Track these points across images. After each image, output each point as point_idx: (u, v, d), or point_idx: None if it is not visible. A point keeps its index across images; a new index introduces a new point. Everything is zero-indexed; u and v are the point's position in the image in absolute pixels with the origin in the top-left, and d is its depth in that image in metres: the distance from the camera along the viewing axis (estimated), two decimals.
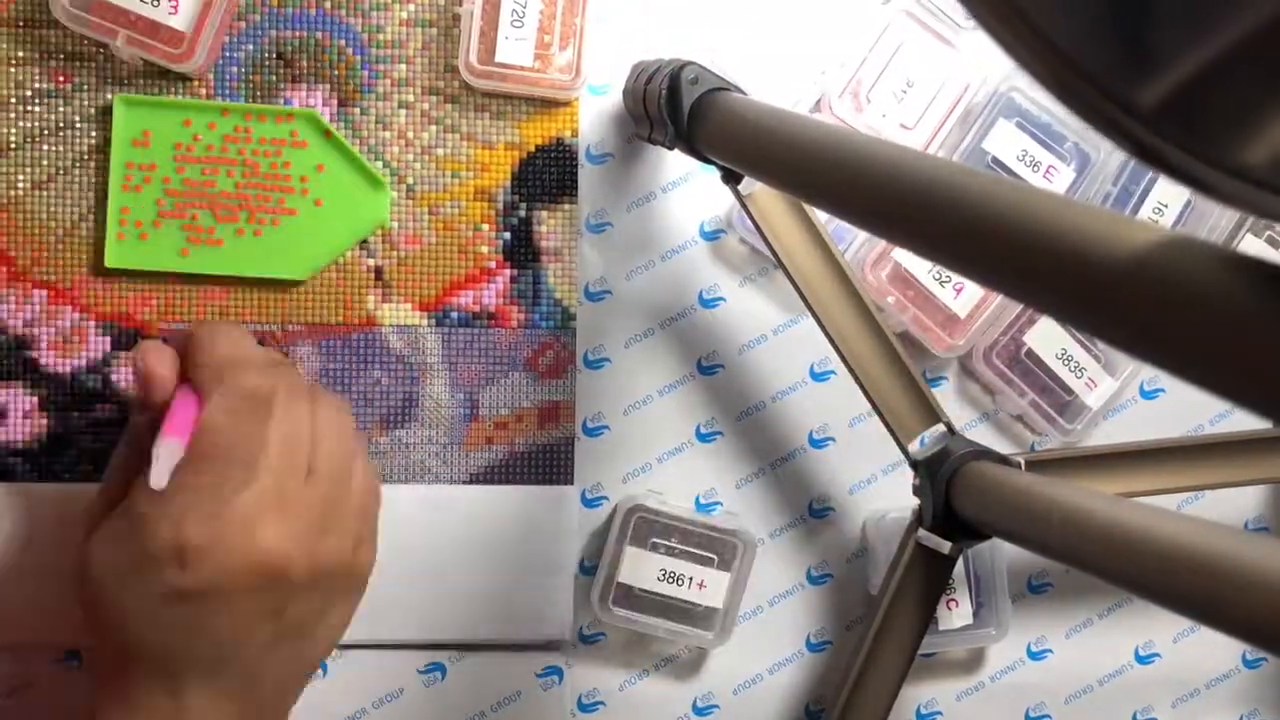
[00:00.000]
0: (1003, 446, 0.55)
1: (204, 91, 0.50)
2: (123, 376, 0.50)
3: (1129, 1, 0.20)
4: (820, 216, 0.49)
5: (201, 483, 0.40)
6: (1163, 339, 0.26)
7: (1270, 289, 0.23)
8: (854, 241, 0.53)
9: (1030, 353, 0.54)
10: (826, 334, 0.48)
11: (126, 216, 0.49)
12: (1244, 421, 0.55)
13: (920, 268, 0.52)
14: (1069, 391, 0.54)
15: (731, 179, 0.47)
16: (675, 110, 0.45)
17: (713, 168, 0.47)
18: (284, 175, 0.50)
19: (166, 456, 0.40)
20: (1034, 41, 0.20)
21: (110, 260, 0.49)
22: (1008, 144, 0.52)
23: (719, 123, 0.44)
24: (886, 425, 0.48)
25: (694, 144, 0.46)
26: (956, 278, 0.52)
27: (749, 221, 0.52)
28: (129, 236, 0.49)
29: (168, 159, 0.49)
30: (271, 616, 0.41)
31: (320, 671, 0.51)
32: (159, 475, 0.40)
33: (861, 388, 0.48)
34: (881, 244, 0.53)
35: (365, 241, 0.51)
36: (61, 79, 0.50)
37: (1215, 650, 0.57)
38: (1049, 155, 0.53)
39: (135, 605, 0.40)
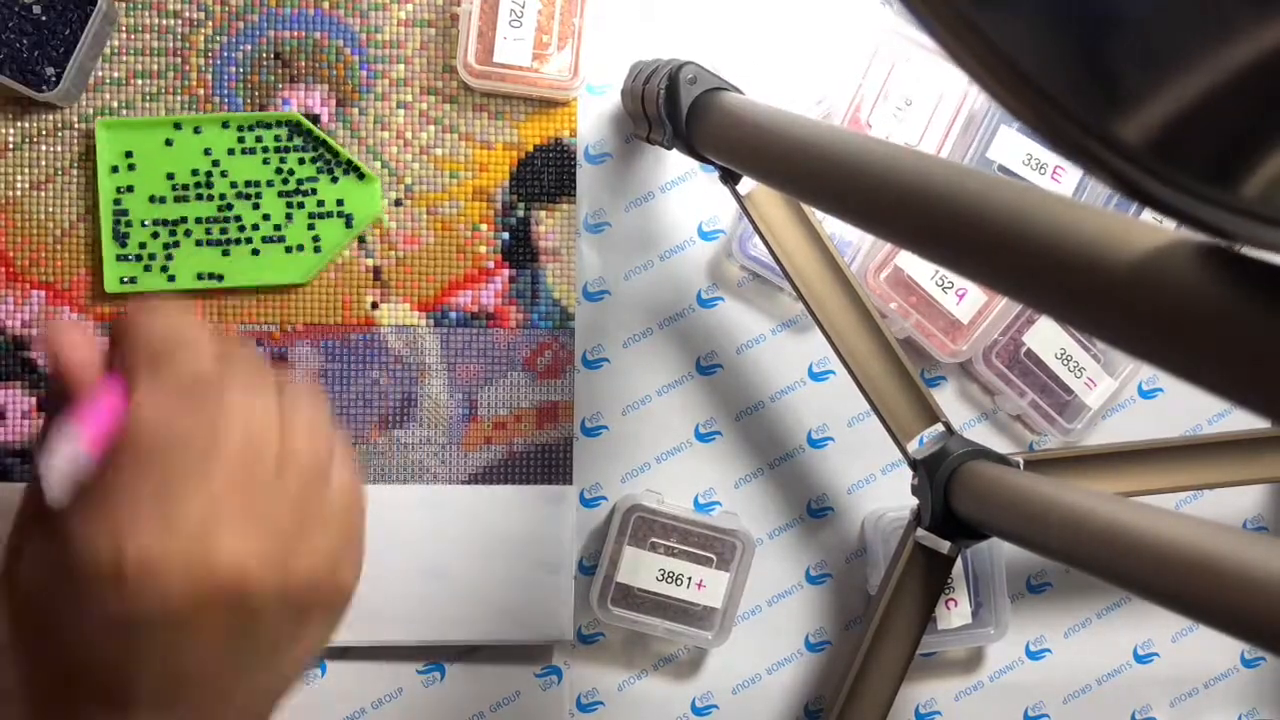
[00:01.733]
0: (1002, 446, 0.55)
1: (202, 92, 0.50)
2: None
3: (1091, 40, 0.20)
4: (819, 216, 0.49)
5: (141, 486, 0.34)
6: (1161, 339, 0.26)
7: (1266, 290, 0.23)
8: (860, 250, 0.53)
9: (1030, 353, 0.54)
10: (825, 334, 0.48)
11: (124, 237, 0.49)
12: (1243, 421, 0.55)
13: (923, 274, 0.52)
14: (1068, 391, 0.54)
15: (729, 179, 0.46)
16: (673, 110, 0.45)
17: (711, 167, 0.47)
18: (273, 181, 0.50)
19: (65, 463, 0.32)
20: (1011, 79, 0.20)
21: (110, 285, 0.49)
22: (1012, 150, 0.52)
23: (717, 122, 0.44)
24: (885, 425, 0.48)
25: (692, 144, 0.46)
26: (959, 283, 0.52)
27: (750, 249, 0.52)
28: (126, 259, 0.49)
29: (154, 178, 0.49)
30: (234, 641, 0.36)
31: (318, 672, 0.51)
32: (55, 487, 0.32)
33: (860, 388, 0.48)
34: (885, 251, 0.53)
35: (363, 241, 0.51)
36: None
37: (1214, 649, 0.57)
38: (1055, 156, 0.53)
39: (73, 631, 0.34)
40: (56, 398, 0.35)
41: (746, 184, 0.47)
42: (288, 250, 0.50)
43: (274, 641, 0.37)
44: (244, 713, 0.38)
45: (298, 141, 0.50)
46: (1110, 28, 0.20)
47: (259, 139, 0.50)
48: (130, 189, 0.49)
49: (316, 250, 0.50)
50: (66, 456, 0.32)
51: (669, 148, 0.48)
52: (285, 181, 0.50)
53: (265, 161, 0.50)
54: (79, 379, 0.35)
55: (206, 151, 0.50)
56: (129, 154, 0.49)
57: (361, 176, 0.51)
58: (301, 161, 0.50)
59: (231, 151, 0.50)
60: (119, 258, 0.49)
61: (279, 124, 0.50)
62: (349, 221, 0.51)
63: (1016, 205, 0.29)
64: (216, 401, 0.35)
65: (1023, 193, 0.29)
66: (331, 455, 0.38)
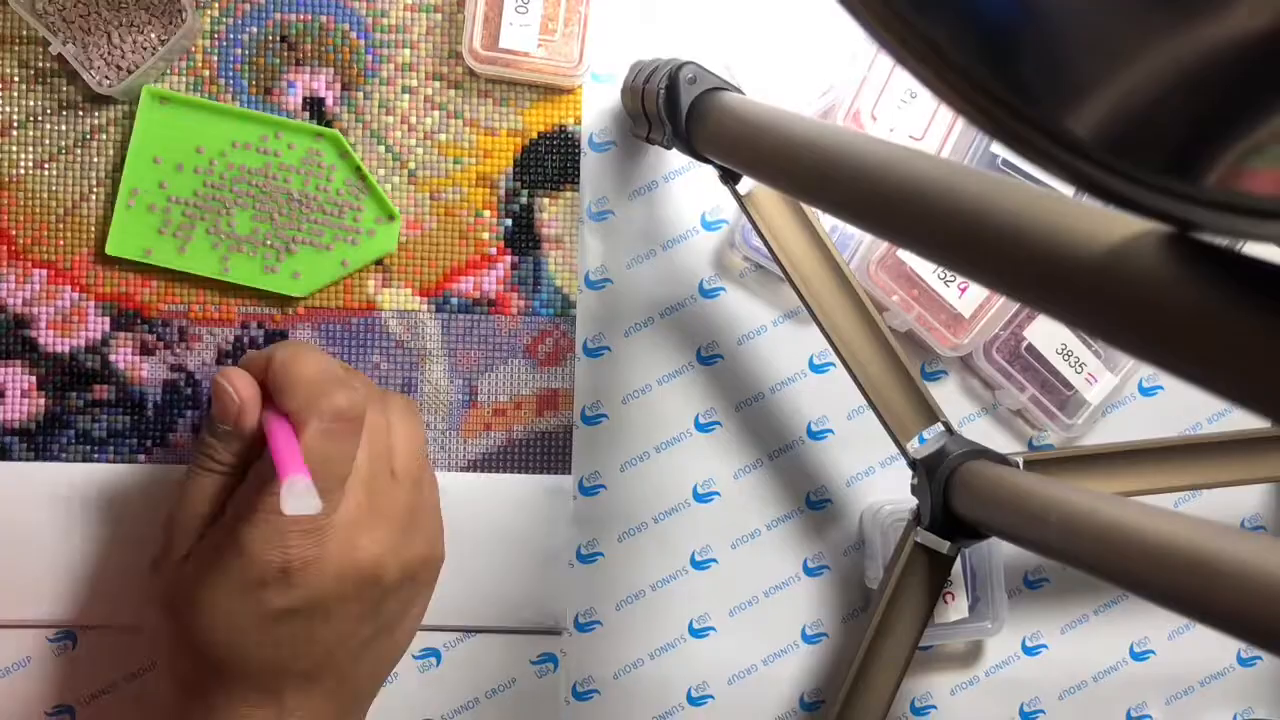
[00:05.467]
0: (1003, 441, 0.55)
1: (207, 73, 0.50)
2: (122, 358, 0.50)
3: (1018, 34, 0.20)
4: (819, 216, 0.49)
5: None
6: (1131, 329, 0.26)
7: (1231, 278, 0.24)
8: (862, 242, 0.53)
9: (1030, 348, 0.54)
10: (825, 334, 0.48)
11: (135, 203, 0.49)
12: (1242, 420, 0.55)
13: (925, 267, 0.52)
14: (1068, 387, 0.54)
15: (729, 179, 0.47)
16: (673, 109, 0.45)
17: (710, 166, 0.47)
18: (300, 197, 0.50)
19: (302, 491, 0.39)
20: (953, 78, 0.20)
21: (111, 248, 0.49)
22: None
23: (717, 122, 0.44)
24: (885, 425, 0.48)
25: (692, 143, 0.46)
26: (961, 277, 0.52)
27: (753, 240, 0.52)
28: (132, 226, 0.49)
29: (187, 160, 0.49)
30: (369, 619, 0.43)
31: None
32: (295, 506, 0.39)
33: (860, 388, 0.48)
34: (887, 243, 0.53)
35: None
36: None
37: (1210, 648, 0.57)
38: None
39: (241, 625, 0.41)
40: (219, 425, 0.43)
41: (746, 184, 0.47)
42: (297, 264, 0.50)
43: (395, 614, 0.45)
44: (369, 679, 0.46)
45: (334, 161, 0.50)
46: (1033, 21, 0.20)
47: (291, 145, 0.50)
48: (158, 162, 0.49)
49: (323, 271, 0.51)
50: (302, 484, 0.38)
51: (669, 147, 0.48)
52: (314, 202, 0.50)
53: (297, 177, 0.50)
54: (252, 415, 0.43)
55: (242, 149, 0.50)
56: (168, 129, 0.49)
57: (387, 212, 0.50)
58: (331, 185, 0.50)
59: (267, 157, 0.50)
60: (126, 224, 0.49)
61: (321, 137, 0.50)
62: (362, 252, 0.51)
63: (1019, 206, 0.29)
64: (357, 431, 0.43)
65: (1025, 194, 0.29)
66: (424, 454, 0.47)
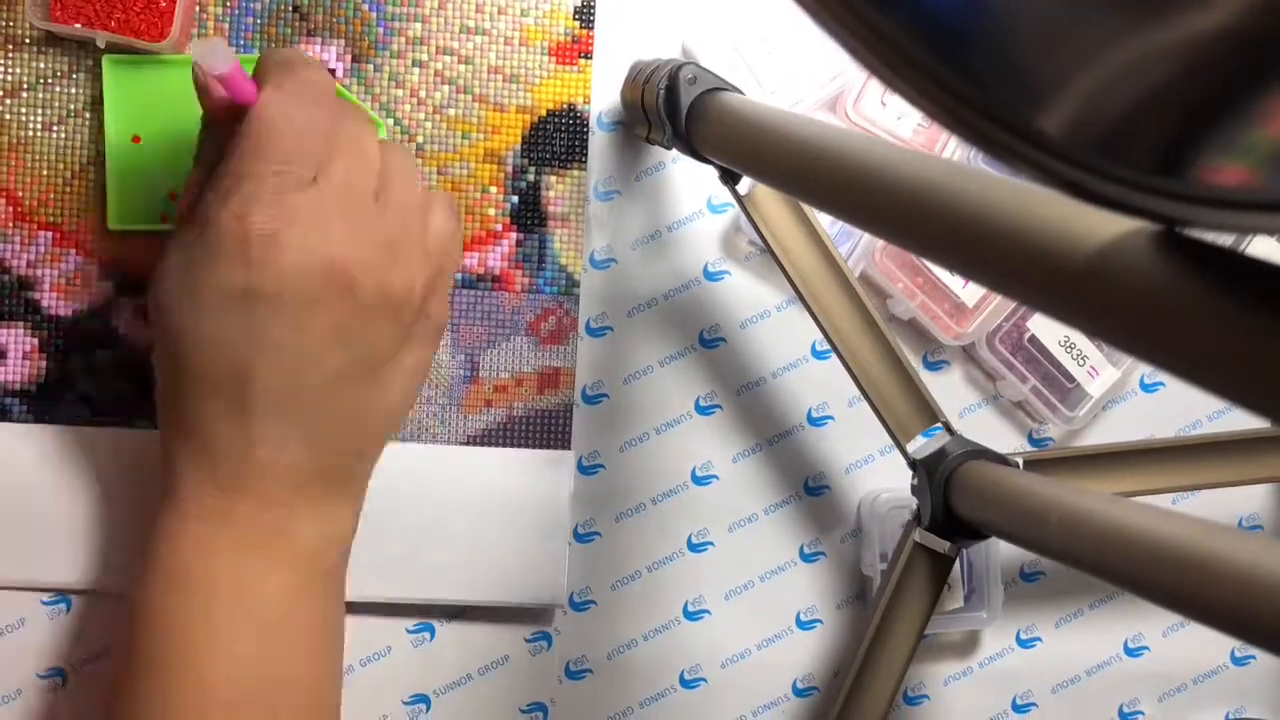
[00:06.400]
0: (1006, 433, 0.55)
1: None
2: (124, 323, 0.50)
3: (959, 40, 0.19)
4: (819, 216, 0.49)
5: (262, 170, 0.39)
6: (1131, 330, 0.26)
7: (1218, 272, 0.24)
8: (863, 233, 0.53)
9: (1033, 339, 0.54)
10: (825, 334, 0.48)
11: (125, 176, 0.49)
12: (1242, 419, 0.55)
13: None
14: (1070, 379, 0.54)
15: (729, 179, 0.47)
16: (673, 110, 0.46)
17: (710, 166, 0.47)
18: None
19: (216, 44, 0.37)
20: (916, 77, 0.19)
21: (113, 221, 0.49)
22: None
23: (717, 122, 0.44)
24: (885, 425, 0.48)
25: (692, 144, 0.46)
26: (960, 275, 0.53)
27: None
28: (129, 196, 0.49)
29: (158, 117, 0.49)
30: (339, 338, 0.40)
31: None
32: (203, 52, 0.37)
33: (860, 387, 0.48)
34: None
35: None
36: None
37: (1204, 646, 0.57)
38: None
39: (199, 308, 0.39)
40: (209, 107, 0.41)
41: (746, 184, 0.47)
42: None
43: (377, 352, 0.41)
44: (349, 433, 0.42)
45: None
46: (987, 17, 0.19)
47: None
48: (134, 122, 0.49)
49: None
50: (215, 45, 0.37)
51: (669, 148, 0.48)
52: None
53: None
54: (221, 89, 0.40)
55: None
56: (135, 92, 0.49)
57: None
58: None
59: None
60: (121, 198, 0.49)
61: None
62: None
63: (1018, 205, 0.29)
64: (328, 108, 0.40)
65: (1026, 194, 0.29)
66: (430, 203, 0.43)
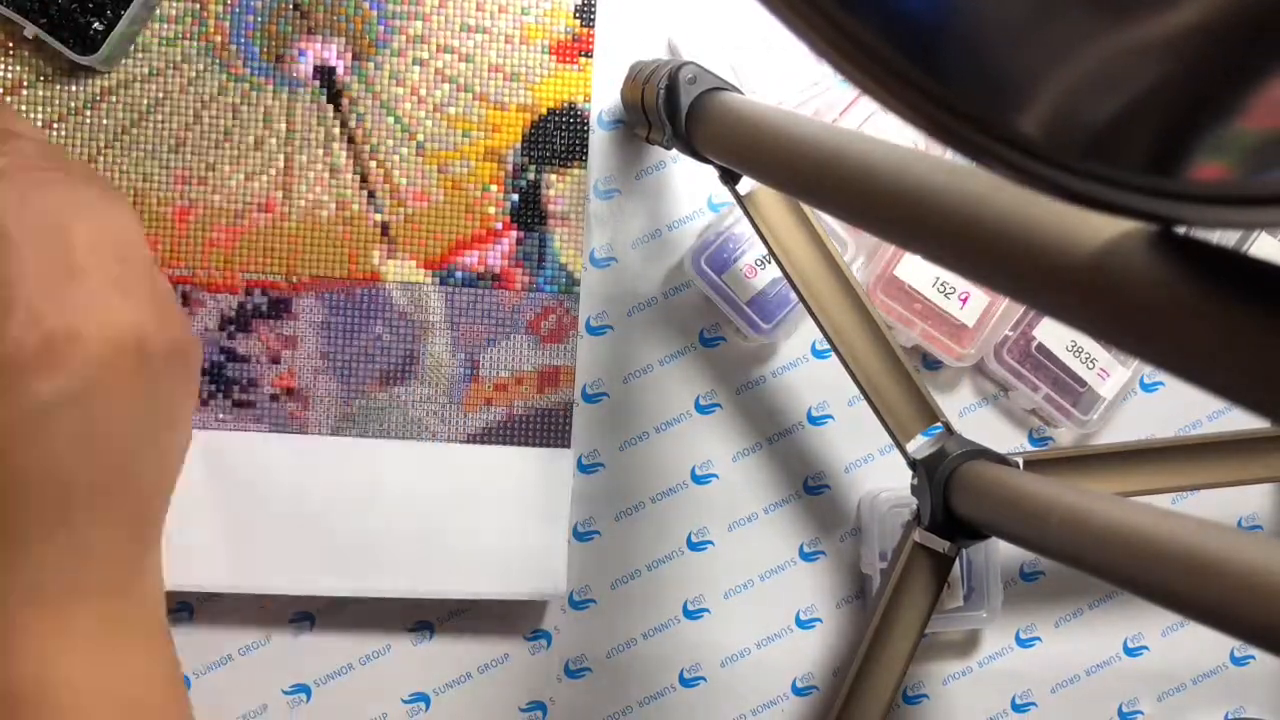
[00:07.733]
0: (1007, 433, 0.55)
1: (219, 39, 0.50)
2: None
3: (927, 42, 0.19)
4: (819, 216, 0.49)
5: (30, 272, 0.36)
6: (1131, 331, 0.26)
7: (1212, 270, 0.24)
8: (855, 260, 0.53)
9: (1041, 347, 0.54)
10: (825, 333, 0.48)
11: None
12: (1243, 418, 0.55)
13: (923, 281, 0.52)
14: (1081, 384, 0.54)
15: (729, 179, 0.47)
16: (673, 110, 0.46)
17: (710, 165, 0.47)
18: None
19: None
20: (887, 79, 0.19)
21: None
22: None
23: (717, 122, 0.44)
24: (885, 425, 0.48)
25: (692, 144, 0.46)
26: (960, 287, 0.52)
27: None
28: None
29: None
30: (146, 403, 0.39)
31: (308, 623, 0.51)
32: None
33: (860, 387, 0.48)
34: (883, 263, 0.53)
35: (373, 196, 0.51)
36: None
37: (1204, 646, 0.57)
38: None
39: (11, 429, 0.36)
40: None
41: (746, 184, 0.47)
42: None
43: (170, 403, 0.41)
44: (156, 488, 0.41)
45: None
46: (955, 15, 0.19)
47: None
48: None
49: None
50: None
51: (669, 148, 0.48)
52: None
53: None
54: None
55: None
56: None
57: None
58: None
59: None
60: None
61: None
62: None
63: (1018, 205, 0.29)
64: (54, 194, 0.38)
65: (1025, 193, 0.29)
66: (130, 234, 0.41)
